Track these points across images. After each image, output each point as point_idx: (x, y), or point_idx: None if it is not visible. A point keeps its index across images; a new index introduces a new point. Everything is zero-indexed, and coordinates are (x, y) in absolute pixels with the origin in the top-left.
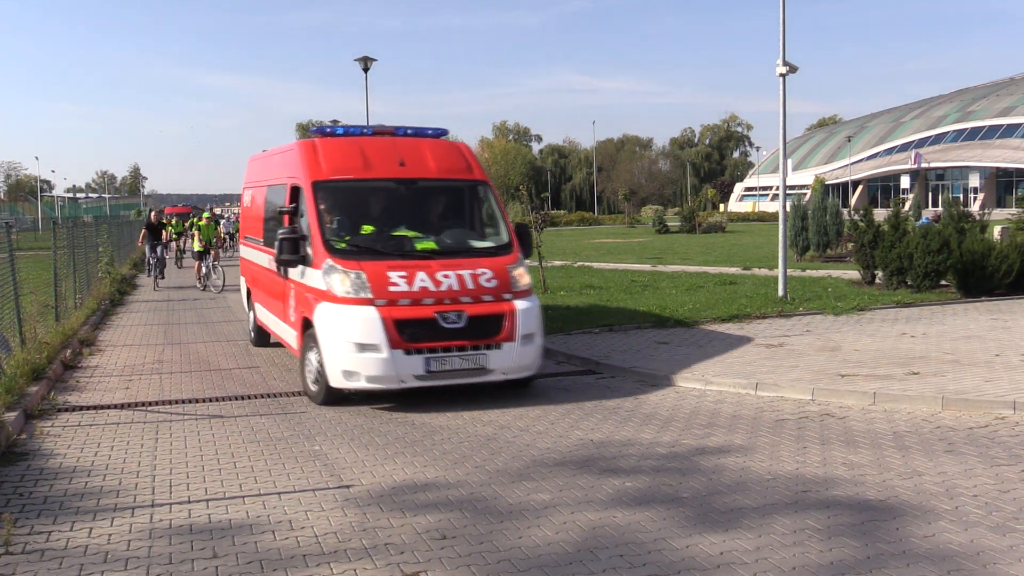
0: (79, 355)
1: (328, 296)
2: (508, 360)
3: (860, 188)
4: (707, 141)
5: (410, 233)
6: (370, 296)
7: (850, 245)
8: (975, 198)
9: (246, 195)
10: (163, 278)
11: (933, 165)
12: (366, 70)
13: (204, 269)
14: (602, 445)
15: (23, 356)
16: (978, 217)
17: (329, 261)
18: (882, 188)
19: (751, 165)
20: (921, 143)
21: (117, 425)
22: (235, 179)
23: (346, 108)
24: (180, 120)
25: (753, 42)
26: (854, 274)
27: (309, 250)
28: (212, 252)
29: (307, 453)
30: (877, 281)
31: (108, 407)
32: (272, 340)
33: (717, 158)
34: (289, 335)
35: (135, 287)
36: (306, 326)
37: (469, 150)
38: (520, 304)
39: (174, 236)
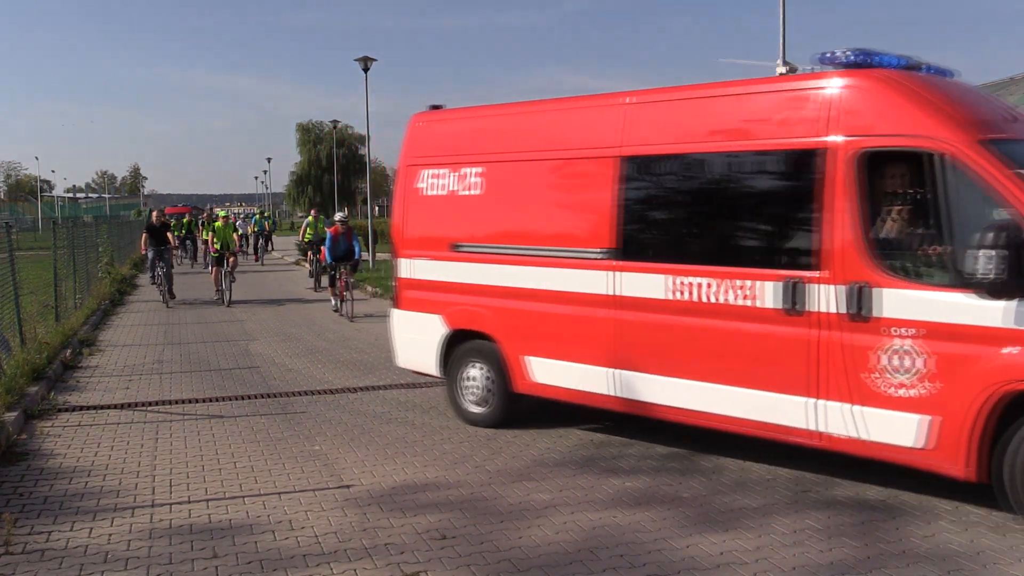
0: (79, 355)
1: None
2: None
3: None
4: None
5: None
6: None
7: None
8: None
9: (446, 177)
10: (173, 297)
11: None
12: (366, 70)
13: (223, 278)
14: (602, 445)
15: (23, 356)
16: None
17: None
18: None
19: None
20: None
21: (117, 425)
22: (234, 179)
23: (345, 108)
24: (180, 120)
25: (753, 42)
26: None
27: None
28: (230, 259)
29: (307, 453)
30: None
31: (108, 407)
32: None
33: None
34: (898, 428)
35: (135, 287)
36: None
37: None
38: None
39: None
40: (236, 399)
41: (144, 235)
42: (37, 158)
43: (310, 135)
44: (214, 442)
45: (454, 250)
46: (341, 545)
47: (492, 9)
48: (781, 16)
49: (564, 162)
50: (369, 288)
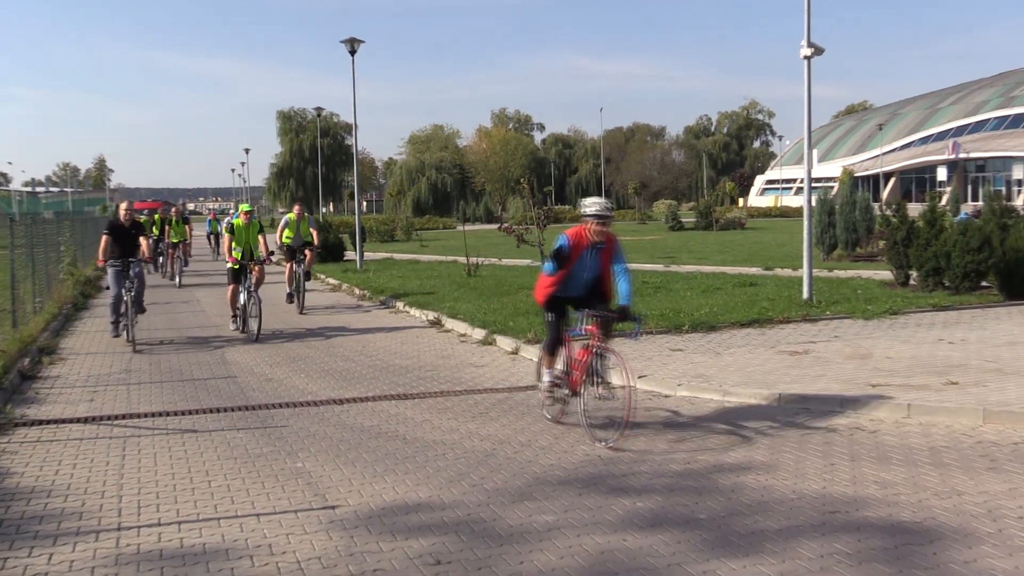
0: (39, 364)
1: None
2: None
3: (892, 181)
4: (725, 130)
5: None
6: None
7: (881, 243)
8: (1019, 191)
9: None
10: (130, 340)
11: (973, 155)
12: (353, 52)
13: (246, 301)
14: (611, 462)
15: None
16: (1023, 212)
17: None
18: (916, 180)
19: (773, 156)
20: (960, 131)
21: (80, 441)
22: (209, 172)
23: (331, 94)
24: (149, 108)
25: (775, 22)
26: (886, 275)
27: None
28: (254, 271)
29: (289, 471)
30: (911, 282)
31: (70, 421)
32: None
33: (736, 148)
34: None
35: (100, 290)
36: None
37: None
38: None
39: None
40: (211, 412)
41: (105, 239)
42: None
43: (292, 124)
44: (187, 459)
45: None
46: (326, 571)
47: None
48: None
49: None
50: (357, 291)
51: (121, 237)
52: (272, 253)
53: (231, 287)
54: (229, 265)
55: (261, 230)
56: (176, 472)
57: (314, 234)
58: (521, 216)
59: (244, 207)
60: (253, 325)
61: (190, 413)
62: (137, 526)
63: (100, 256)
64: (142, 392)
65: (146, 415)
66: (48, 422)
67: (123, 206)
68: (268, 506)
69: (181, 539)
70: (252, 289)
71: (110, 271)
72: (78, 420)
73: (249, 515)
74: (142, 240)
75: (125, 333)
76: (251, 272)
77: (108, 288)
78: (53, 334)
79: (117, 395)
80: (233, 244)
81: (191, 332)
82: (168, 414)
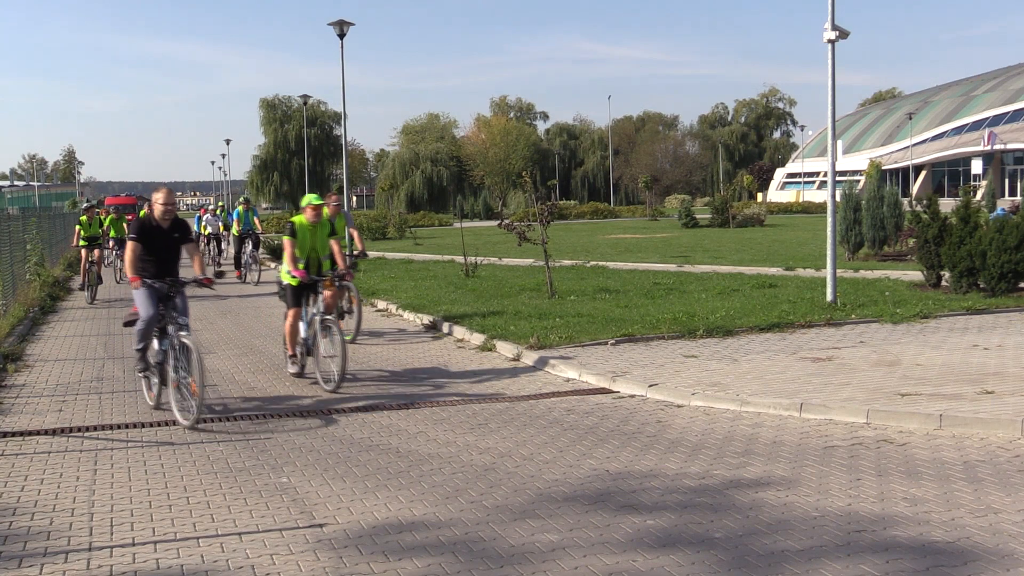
0: (3, 372)
1: None
2: None
3: (923, 174)
4: (742, 119)
5: None
6: None
7: (911, 241)
8: None
9: None
10: (195, 415)
11: (1011, 146)
12: (342, 36)
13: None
14: (619, 477)
15: None
16: None
17: None
18: (949, 174)
19: (794, 147)
20: (996, 120)
21: (48, 454)
22: (188, 165)
23: (319, 81)
24: (122, 95)
25: (797, 2)
26: (916, 275)
27: None
28: (329, 293)
29: (273, 486)
30: (943, 284)
31: (37, 433)
32: None
33: (754, 139)
34: None
35: (69, 291)
36: None
37: None
38: None
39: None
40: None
41: (133, 248)
42: None
43: (276, 113)
44: (163, 474)
45: None
46: None
47: None
48: None
49: None
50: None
51: (157, 244)
52: (354, 264)
53: (291, 313)
54: (288, 281)
55: (333, 232)
56: (152, 488)
57: (356, 236)
58: (523, 212)
59: (312, 198)
60: (332, 367)
61: (166, 424)
62: (110, 546)
63: (130, 271)
64: (115, 402)
65: (119, 427)
66: (13, 434)
67: (159, 199)
68: (251, 524)
69: (157, 560)
70: (326, 316)
71: (142, 291)
72: (46, 432)
73: (230, 534)
74: (189, 249)
75: (160, 392)
76: (323, 290)
77: (133, 314)
78: (19, 339)
79: (88, 405)
80: (296, 252)
81: (250, 384)
82: (143, 425)
